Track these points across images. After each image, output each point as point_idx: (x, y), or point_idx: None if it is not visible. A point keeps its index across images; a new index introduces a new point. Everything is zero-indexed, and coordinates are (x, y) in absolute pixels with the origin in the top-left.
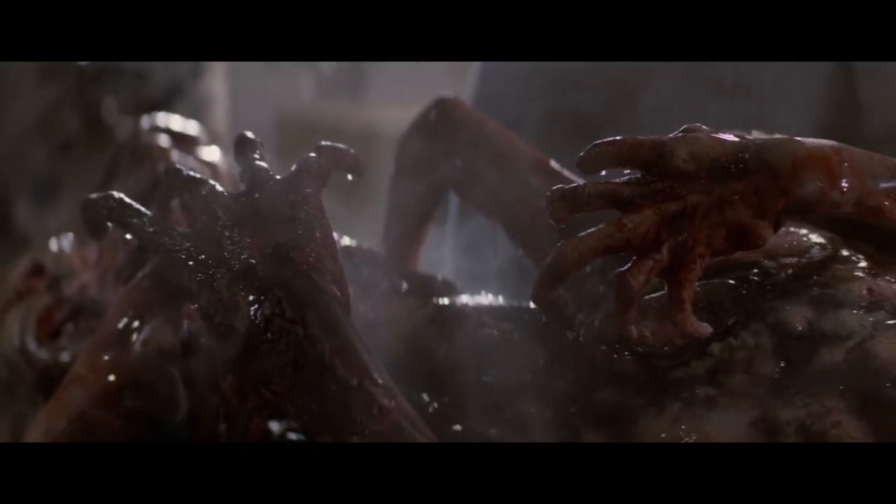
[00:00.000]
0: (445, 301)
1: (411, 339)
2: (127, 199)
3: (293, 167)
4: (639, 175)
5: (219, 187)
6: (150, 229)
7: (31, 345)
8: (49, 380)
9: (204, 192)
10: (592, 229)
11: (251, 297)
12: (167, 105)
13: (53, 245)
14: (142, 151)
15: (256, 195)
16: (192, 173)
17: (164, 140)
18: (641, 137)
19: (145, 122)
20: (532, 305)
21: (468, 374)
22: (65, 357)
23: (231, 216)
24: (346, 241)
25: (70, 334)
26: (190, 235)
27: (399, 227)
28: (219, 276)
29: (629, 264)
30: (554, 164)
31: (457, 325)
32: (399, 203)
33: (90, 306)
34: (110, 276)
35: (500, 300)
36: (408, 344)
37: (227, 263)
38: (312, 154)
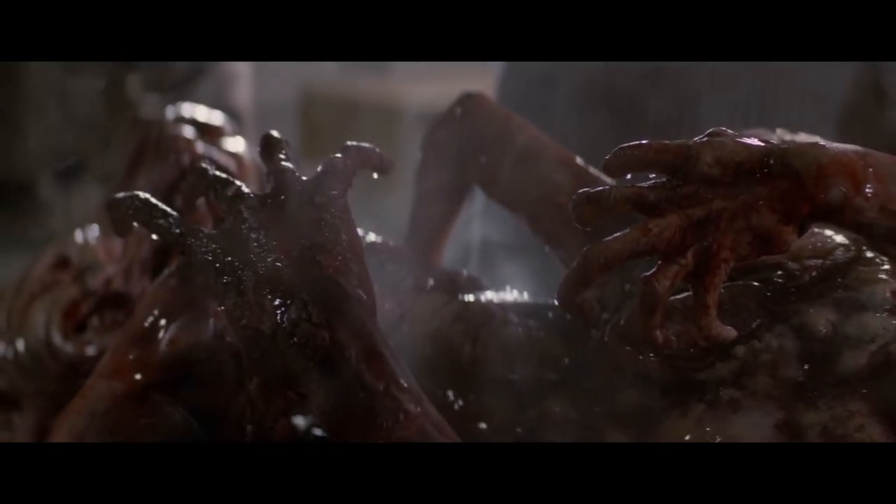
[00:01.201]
0: (470, 298)
1: (436, 337)
2: (152, 200)
3: (319, 168)
4: (664, 179)
5: (245, 188)
6: (176, 230)
7: (57, 338)
8: (74, 373)
9: (230, 194)
10: (618, 233)
11: (277, 301)
12: (191, 83)
13: (79, 237)
14: (167, 142)
15: (282, 197)
16: (218, 173)
17: (188, 131)
18: (667, 142)
19: (170, 112)
20: (557, 302)
21: (493, 371)
22: (90, 351)
23: (257, 218)
24: (370, 237)
25: (95, 328)
26: (216, 237)
27: (424, 223)
28: (245, 278)
29: (654, 269)
30: (579, 160)
31: (482, 323)
32: (424, 198)
33: (116, 299)
34: (136, 268)
35: (525, 297)
36: (433, 341)
37: (254, 266)
38: (338, 154)
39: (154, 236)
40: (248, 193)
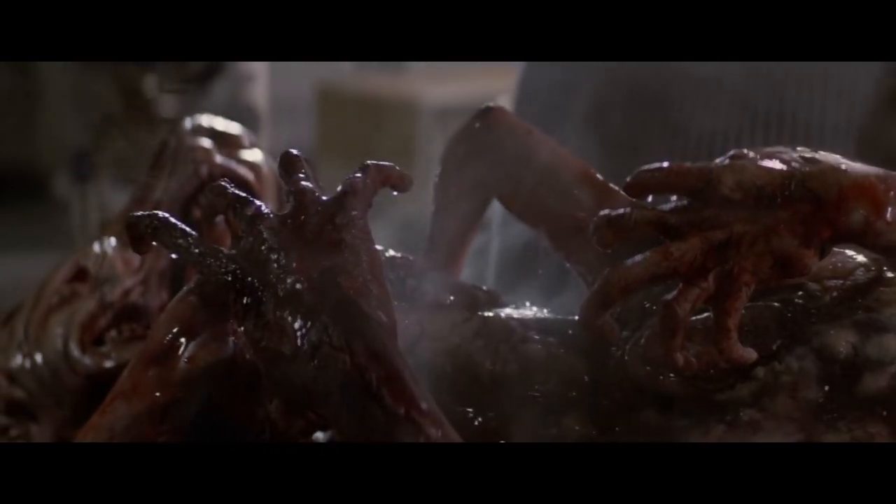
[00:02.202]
0: (490, 314)
1: (456, 353)
2: (171, 220)
3: (339, 188)
4: (685, 202)
5: (265, 208)
6: (195, 250)
7: (75, 351)
8: (93, 386)
9: (249, 213)
10: (639, 257)
11: (298, 323)
12: (207, 82)
13: (96, 248)
14: (185, 153)
15: (302, 217)
16: (237, 192)
17: (206, 142)
18: (688, 165)
19: (187, 122)
20: (577, 318)
21: (512, 388)
22: (108, 364)
23: (277, 239)
24: (389, 252)
25: (114, 340)
26: (235, 257)
27: (443, 236)
28: (265, 299)
29: (675, 293)
30: (599, 176)
31: (502, 339)
32: (443, 211)
33: (133, 312)
34: (154, 279)
35: (545, 313)
36: (452, 358)
37: (273, 287)
38: (358, 174)
39: (173, 255)
40: (267, 213)
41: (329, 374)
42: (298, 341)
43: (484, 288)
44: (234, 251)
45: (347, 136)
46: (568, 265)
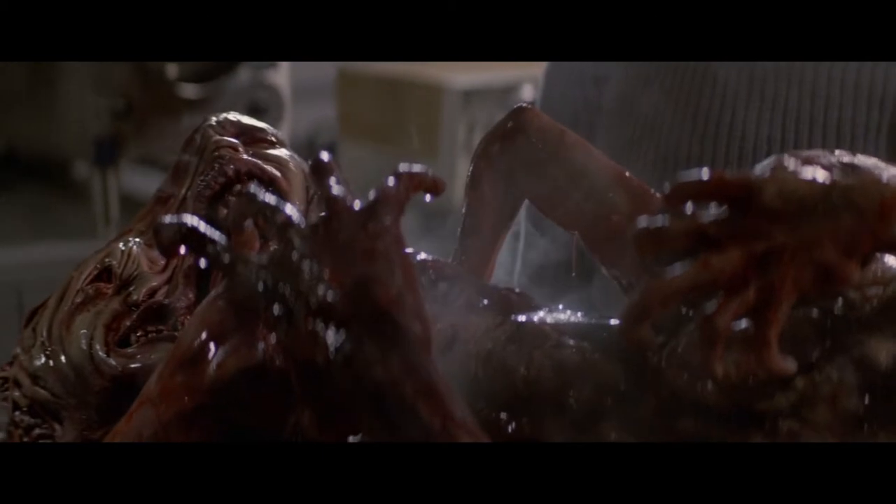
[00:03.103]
0: (523, 318)
1: (489, 358)
2: (200, 227)
3: (371, 194)
4: (725, 211)
5: (295, 216)
6: (225, 258)
7: (100, 352)
8: (119, 388)
9: (280, 221)
10: (679, 268)
11: (331, 334)
12: (229, 68)
13: (121, 246)
14: (210, 150)
15: (334, 225)
16: (266, 199)
17: (232, 139)
18: (729, 176)
19: (213, 118)
20: (611, 322)
21: (547, 394)
22: (134, 365)
23: (308, 247)
24: (421, 255)
25: (139, 341)
26: (266, 265)
27: (474, 237)
28: (297, 309)
29: (715, 305)
30: (634, 179)
31: (536, 345)
32: (474, 212)
33: (159, 312)
34: (179, 278)
35: (579, 316)
36: (486, 363)
37: (305, 297)
38: (391, 179)
39: (202, 263)
40: (298, 221)
41: (363, 386)
42: (331, 352)
43: (517, 290)
44: (264, 259)
45: (370, 118)
46: (602, 268)
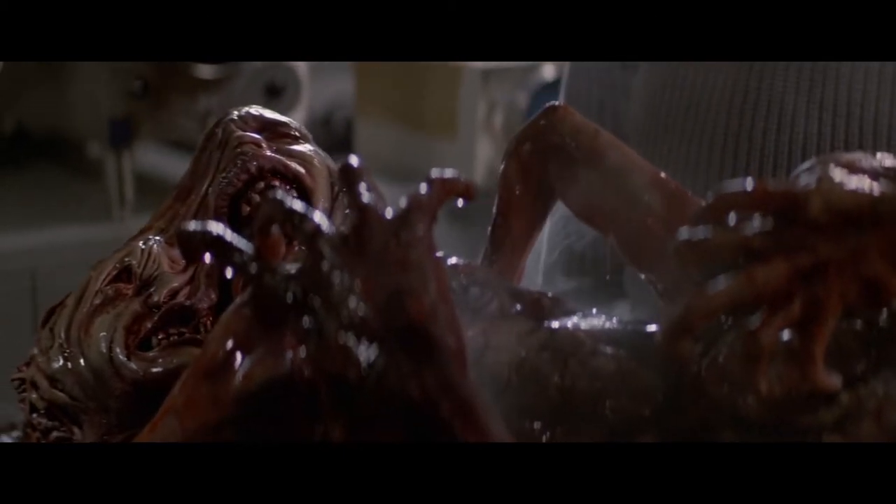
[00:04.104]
0: (556, 325)
1: (522, 366)
2: (226, 236)
3: (403, 202)
4: (769, 223)
5: (324, 225)
6: (252, 268)
7: (121, 356)
8: (140, 392)
9: (308, 230)
10: (721, 281)
11: (363, 349)
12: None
13: (141, 245)
14: (233, 146)
15: (365, 234)
16: (294, 205)
17: (255, 134)
18: (772, 188)
19: (234, 112)
20: (648, 328)
21: (582, 403)
22: (156, 369)
23: (339, 257)
24: (452, 259)
25: (161, 344)
26: (295, 275)
27: (506, 237)
28: (327, 322)
29: (759, 321)
30: (671, 180)
31: (570, 353)
32: (505, 212)
33: (181, 314)
34: (202, 278)
35: (615, 321)
36: (519, 371)
37: (336, 310)
38: (423, 186)
39: (227, 273)
40: (327, 230)
41: (396, 403)
42: (364, 367)
43: (549, 294)
44: (292, 268)
45: (388, 97)
46: (638, 272)
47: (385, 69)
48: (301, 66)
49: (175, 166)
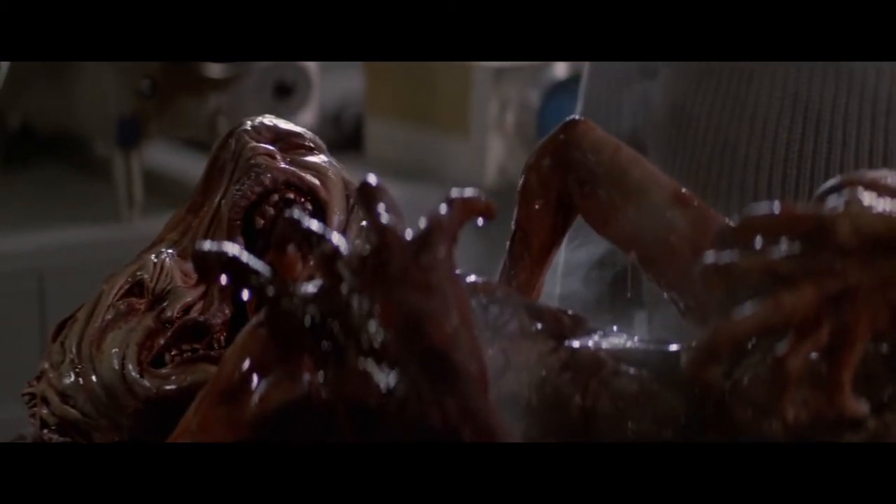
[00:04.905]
0: (577, 344)
1: (543, 386)
2: (242, 257)
3: (423, 223)
4: (797, 247)
5: (343, 246)
6: (270, 291)
7: (133, 373)
8: (153, 410)
9: (326, 252)
10: (749, 307)
11: (382, 376)
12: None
13: (153, 258)
14: (247, 157)
15: (384, 257)
16: (311, 225)
17: (269, 145)
18: (800, 211)
19: (248, 123)
20: (671, 349)
21: (604, 425)
22: (169, 387)
23: (358, 280)
24: (471, 277)
25: (174, 361)
26: (312, 298)
27: (525, 252)
28: (347, 347)
29: (786, 347)
30: (694, 197)
31: (592, 373)
32: (526, 226)
33: (194, 329)
34: (215, 292)
35: (636, 341)
36: (539, 391)
37: (356, 334)
38: (443, 207)
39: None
40: (346, 252)
41: (418, 430)
42: (384, 394)
43: (570, 312)
44: (310, 291)
45: (398, 95)
46: (659, 288)
47: (396, 67)
48: (311, 65)
49: (184, 166)
